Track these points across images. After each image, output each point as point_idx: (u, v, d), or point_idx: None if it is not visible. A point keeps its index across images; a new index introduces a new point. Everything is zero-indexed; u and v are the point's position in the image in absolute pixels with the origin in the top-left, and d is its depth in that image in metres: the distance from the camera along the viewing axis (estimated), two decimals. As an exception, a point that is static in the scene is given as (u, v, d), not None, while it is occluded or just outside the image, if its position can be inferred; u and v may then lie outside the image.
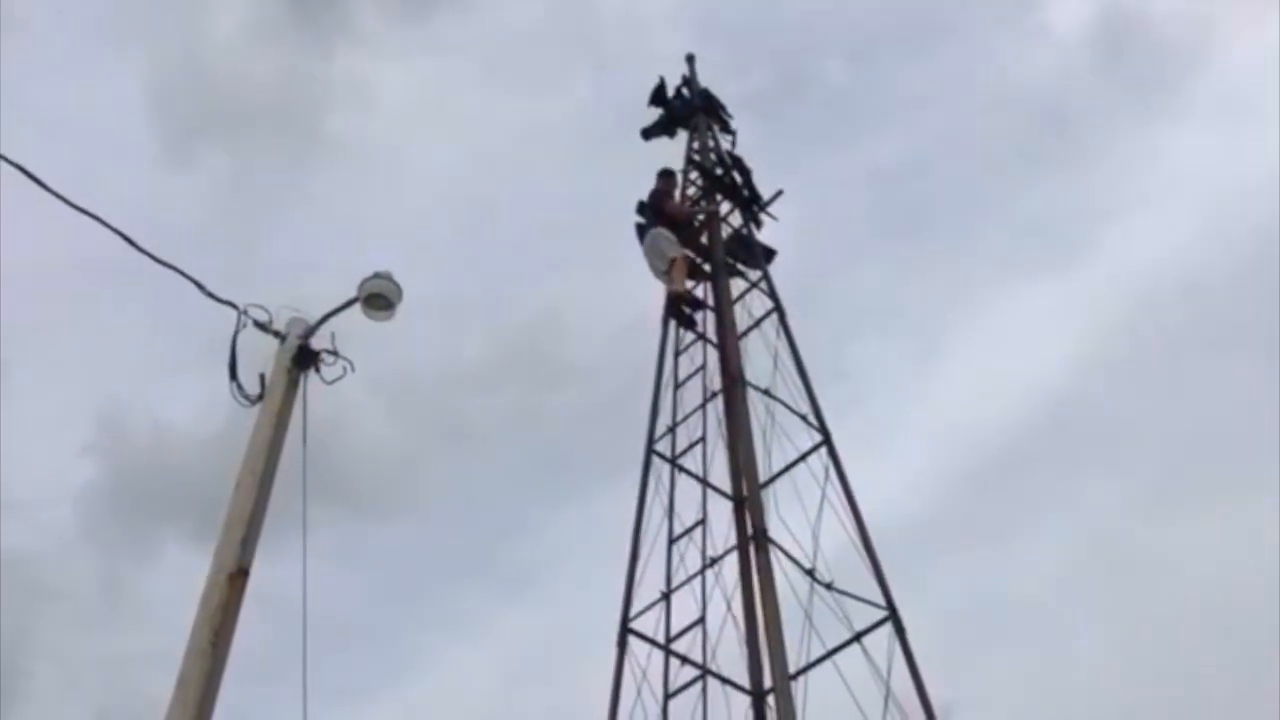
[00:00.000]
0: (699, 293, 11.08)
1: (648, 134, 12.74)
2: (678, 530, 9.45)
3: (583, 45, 24.92)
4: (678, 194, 11.75)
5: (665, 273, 10.78)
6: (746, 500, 9.33)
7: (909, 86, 23.61)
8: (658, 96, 12.79)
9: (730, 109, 13.05)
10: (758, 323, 10.62)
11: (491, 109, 24.26)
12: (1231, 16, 23.71)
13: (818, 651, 8.36)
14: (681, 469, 9.79)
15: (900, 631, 8.40)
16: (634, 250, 11.24)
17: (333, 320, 6.09)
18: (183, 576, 5.26)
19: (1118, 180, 22.33)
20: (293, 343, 6.01)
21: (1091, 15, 25.48)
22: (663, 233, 10.94)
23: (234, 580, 5.24)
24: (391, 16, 25.41)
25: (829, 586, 8.69)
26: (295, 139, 23.34)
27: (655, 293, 10.90)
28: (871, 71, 24.28)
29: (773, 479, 9.42)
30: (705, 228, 11.53)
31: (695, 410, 10.13)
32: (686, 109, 12.76)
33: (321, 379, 6.00)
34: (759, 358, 10.30)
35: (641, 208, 11.43)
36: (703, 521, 9.40)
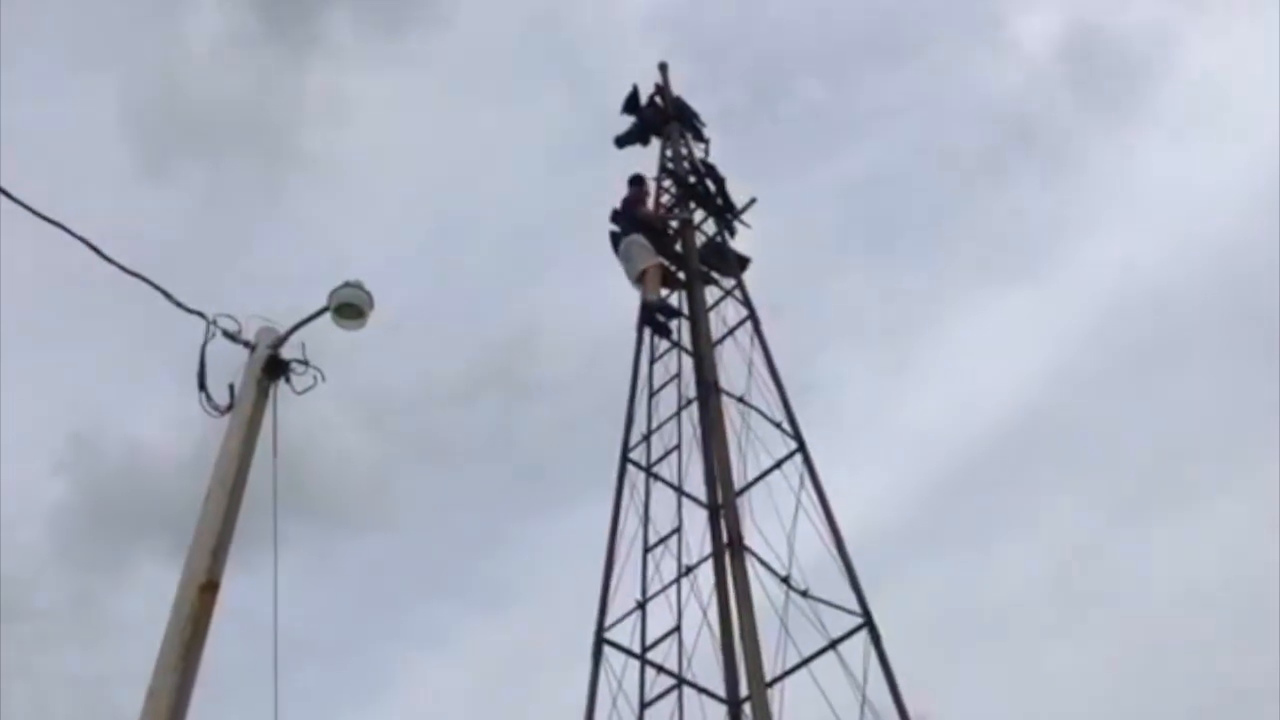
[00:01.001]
0: (674, 301, 11.08)
1: (621, 142, 12.74)
2: (653, 539, 9.43)
3: (557, 59, 25.00)
4: (650, 201, 11.76)
5: (638, 280, 10.79)
6: (722, 508, 9.31)
7: (880, 99, 23.86)
8: (631, 104, 12.80)
9: (704, 121, 13.09)
10: (732, 330, 10.63)
11: (465, 122, 24.30)
12: (1197, 30, 24.08)
13: (793, 659, 8.36)
14: (656, 477, 9.77)
15: (876, 639, 8.39)
16: (609, 261, 11.26)
17: (307, 334, 6.05)
18: (156, 595, 5.22)
19: (1086, 192, 22.60)
20: (262, 352, 5.95)
21: (1060, 29, 25.83)
22: (637, 240, 10.95)
23: (204, 592, 5.17)
24: (365, 30, 25.44)
25: (804, 594, 8.68)
26: (270, 153, 23.32)
27: (631, 304, 10.92)
28: (843, 84, 24.52)
29: (748, 487, 9.42)
30: (679, 236, 11.55)
31: (670, 418, 10.13)
32: (660, 117, 12.78)
33: (292, 389, 5.95)
34: (734, 366, 10.32)
35: (615, 216, 11.44)
36: (678, 530, 9.39)
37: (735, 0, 24.87)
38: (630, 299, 10.92)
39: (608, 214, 11.47)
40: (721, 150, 12.65)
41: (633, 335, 10.68)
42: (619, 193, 11.62)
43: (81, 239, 5.66)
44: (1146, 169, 22.51)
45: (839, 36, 25.02)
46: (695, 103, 13.10)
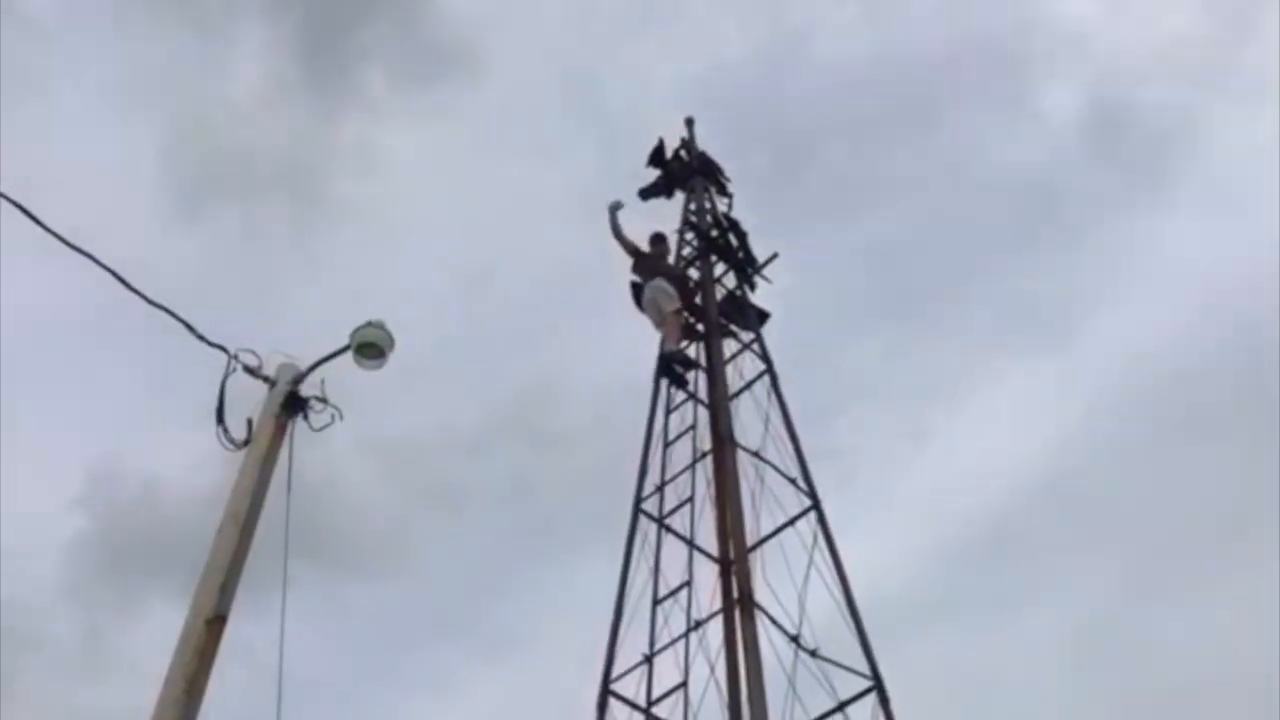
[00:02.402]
0: (691, 352, 11.08)
1: (645, 194, 12.83)
2: (663, 591, 9.34)
3: (586, 116, 25.35)
4: (671, 258, 11.81)
5: (662, 325, 10.83)
6: (733, 563, 9.24)
7: (903, 166, 24.01)
8: (656, 157, 12.90)
9: (728, 176, 13.17)
10: (749, 384, 10.62)
11: (493, 175, 24.61)
12: (1221, 107, 24.16)
13: (801, 720, 8.24)
14: (668, 529, 9.70)
15: (885, 702, 8.26)
16: (629, 313, 11.28)
17: (328, 378, 6.07)
18: (166, 632, 5.19)
19: (1107, 265, 22.66)
20: (282, 388, 5.97)
21: (1083, 102, 25.93)
22: (661, 286, 11.01)
23: (211, 626, 5.15)
24: (399, 83, 25.85)
25: (814, 654, 8.57)
26: (301, 200, 23.66)
27: (648, 357, 10.92)
28: (867, 151, 24.67)
29: (760, 542, 9.34)
30: (699, 288, 11.58)
31: (684, 470, 10.08)
32: (684, 170, 12.87)
33: (309, 425, 5.97)
34: (750, 420, 10.29)
35: (636, 266, 11.49)
36: (688, 583, 9.30)
37: (763, 66, 25.20)
38: (648, 352, 10.92)
39: (629, 265, 11.52)
40: (744, 211, 12.74)
41: (650, 388, 10.68)
42: (641, 241, 11.67)
43: (107, 268, 5.72)
44: (1166, 244, 22.59)
45: (864, 104, 25.19)
46: (720, 164, 13.22)
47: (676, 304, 10.90)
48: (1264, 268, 20.42)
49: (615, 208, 11.66)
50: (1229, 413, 20.07)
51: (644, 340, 11.06)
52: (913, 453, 20.92)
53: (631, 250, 11.42)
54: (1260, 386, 19.14)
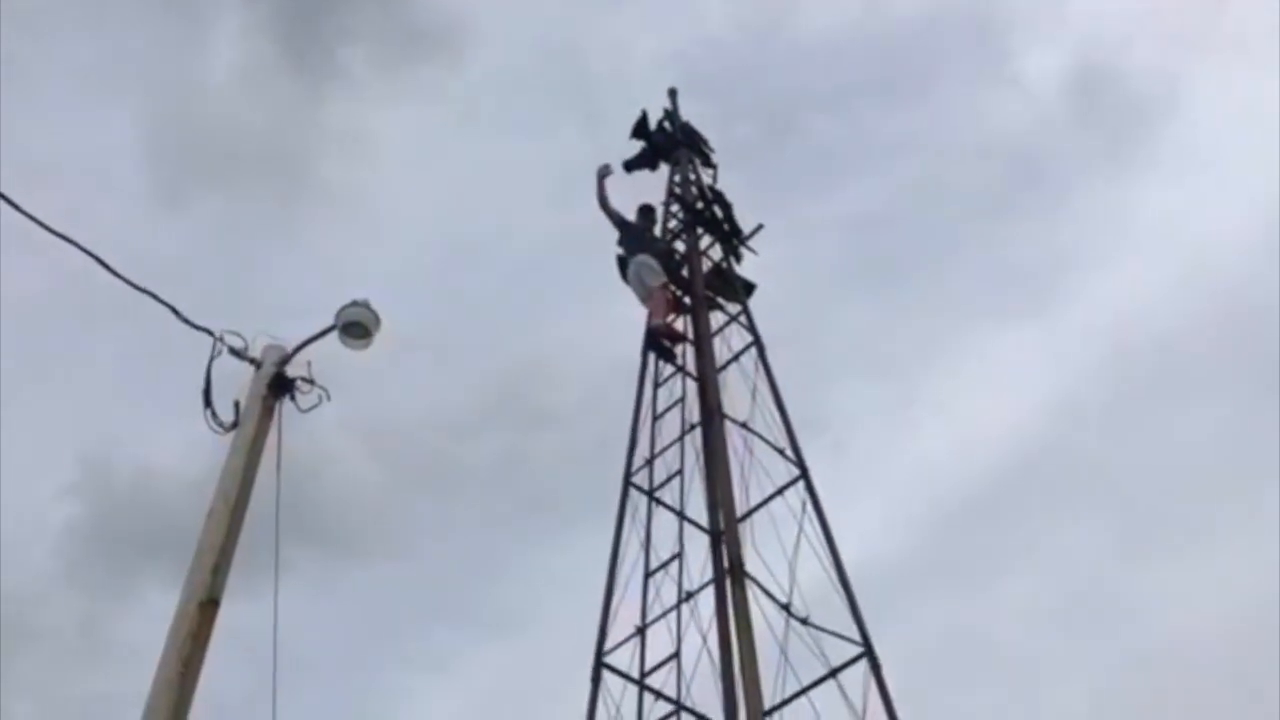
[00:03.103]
0: (679, 325, 11.09)
1: (630, 166, 12.78)
2: (654, 564, 9.41)
3: (570, 92, 25.23)
4: (657, 229, 11.79)
5: (648, 300, 10.82)
6: (723, 534, 9.29)
7: (887, 136, 23.98)
8: (640, 129, 12.85)
9: (712, 147, 13.14)
10: (737, 356, 10.64)
11: (478, 153, 24.46)
12: (1202, 71, 24.18)
13: (793, 687, 8.32)
14: (659, 501, 9.75)
15: (876, 668, 8.35)
16: (617, 288, 11.26)
17: (316, 360, 6.06)
18: (161, 617, 5.21)
19: (1091, 230, 22.69)
20: (268, 369, 5.97)
21: (1065, 68, 25.96)
22: (646, 261, 10.97)
23: (204, 609, 5.16)
24: (383, 64, 25.63)
25: (805, 622, 8.65)
26: (285, 182, 23.45)
27: (638, 331, 10.90)
28: (851, 121, 24.64)
29: (750, 513, 9.40)
30: (685, 261, 11.58)
31: (673, 443, 10.12)
32: (668, 142, 12.83)
33: (297, 406, 5.96)
34: (738, 391, 10.32)
35: (622, 239, 11.46)
36: (679, 555, 9.36)
37: (747, 39, 25.07)
38: (637, 327, 10.93)
39: (614, 239, 11.51)
40: (729, 183, 12.71)
41: (638, 362, 10.70)
42: (627, 214, 11.63)
43: (90, 253, 5.68)
44: (1149, 207, 22.65)
45: (847, 74, 25.19)
46: (704, 135, 13.17)
47: (662, 278, 10.89)
48: (1245, 230, 20.63)
49: (603, 173, 11.56)
50: (1214, 374, 20.26)
51: (632, 315, 11.09)
52: (900, 421, 21.00)
53: (618, 221, 11.39)
54: (1244, 348, 19.34)
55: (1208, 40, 24.50)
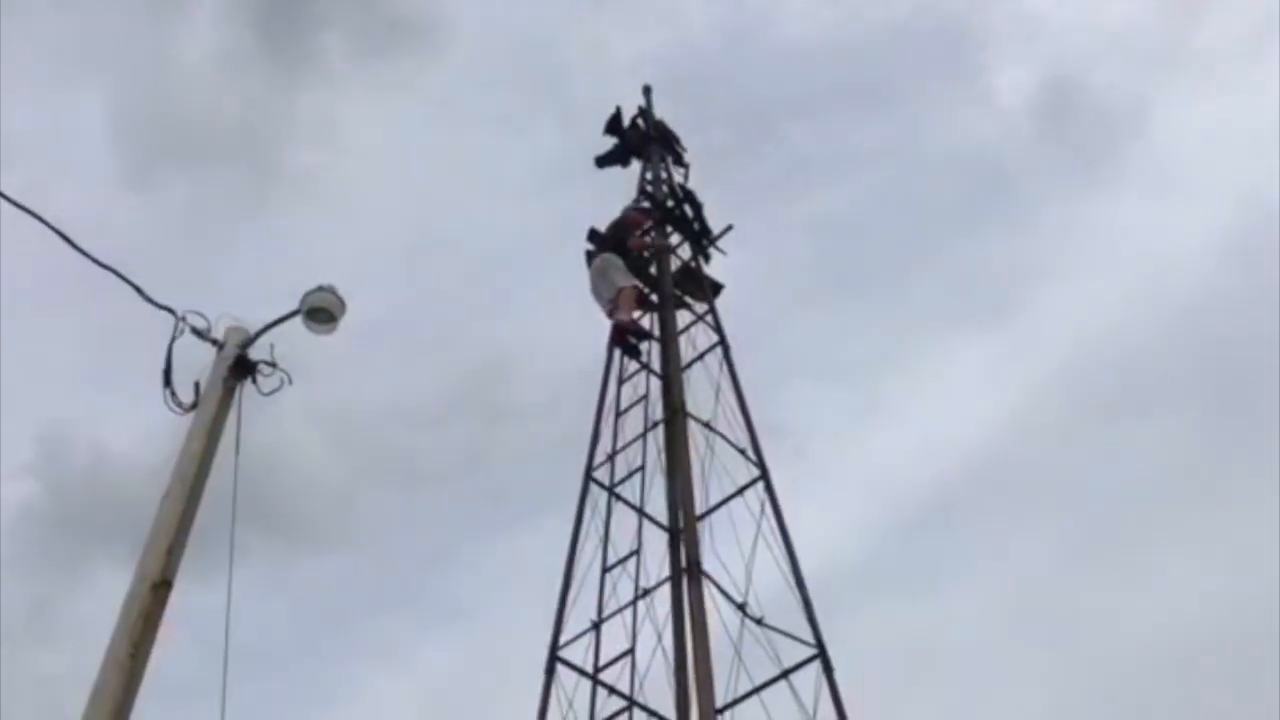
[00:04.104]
0: (645, 323, 11.10)
1: (602, 162, 12.78)
2: (612, 559, 9.41)
3: (545, 89, 25.26)
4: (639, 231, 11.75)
5: (611, 300, 10.76)
6: (682, 532, 9.32)
7: (858, 144, 24.24)
8: (613, 125, 12.84)
9: (684, 146, 13.11)
10: (702, 355, 10.66)
11: (451, 146, 24.45)
12: (1169, 91, 24.55)
13: (745, 687, 8.35)
14: (619, 498, 9.76)
15: (828, 670, 8.40)
16: (584, 284, 11.21)
17: (281, 346, 6.02)
18: (114, 599, 5.16)
19: (1054, 244, 23.05)
20: (230, 351, 5.92)
21: (1035, 84, 26.32)
22: (613, 260, 10.92)
23: (157, 591, 5.13)
24: (358, 54, 25.48)
25: (759, 622, 8.69)
26: (256, 169, 23.36)
27: (604, 329, 10.86)
28: (824, 129, 24.90)
29: (709, 512, 9.42)
30: (654, 260, 11.58)
31: (635, 440, 10.14)
32: (641, 139, 12.82)
33: (258, 389, 5.93)
34: (702, 391, 10.35)
35: (592, 234, 11.45)
36: (637, 552, 9.38)
37: (723, 43, 25.23)
38: (604, 324, 10.86)
39: (585, 233, 11.49)
40: (701, 186, 12.70)
41: (604, 360, 10.68)
42: (596, 217, 11.63)
43: (52, 227, 5.64)
44: (1113, 224, 22.94)
45: (822, 82, 25.40)
46: (677, 134, 13.17)
47: (627, 280, 10.84)
48: (1206, 248, 21.01)
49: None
50: (1170, 390, 20.60)
51: (600, 312, 11.05)
52: (861, 425, 21.19)
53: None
54: (1200, 365, 19.74)
55: (1176, 61, 24.93)
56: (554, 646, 8.83)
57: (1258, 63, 24.10)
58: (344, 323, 6.14)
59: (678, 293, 11.33)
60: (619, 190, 12.45)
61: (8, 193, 5.49)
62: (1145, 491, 19.31)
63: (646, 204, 12.01)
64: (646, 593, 9.13)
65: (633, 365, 10.71)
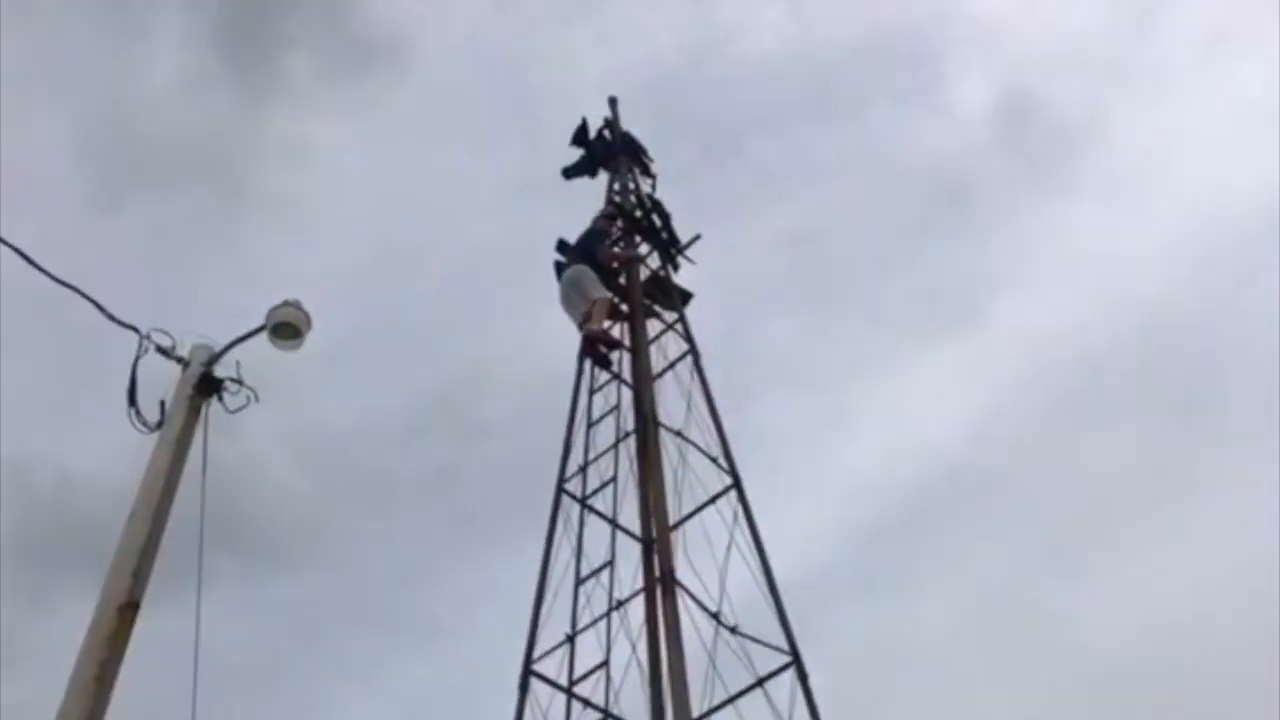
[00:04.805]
0: (615, 333, 11.08)
1: (569, 173, 12.78)
2: (585, 571, 9.37)
3: (512, 107, 25.35)
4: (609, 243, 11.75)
5: (585, 311, 10.73)
6: (655, 542, 9.30)
7: (822, 156, 24.48)
8: (580, 137, 12.85)
9: (651, 156, 13.14)
10: (673, 364, 10.66)
11: (418, 164, 24.43)
12: (1126, 101, 24.89)
13: (721, 696, 8.34)
14: (591, 509, 9.72)
15: (803, 678, 8.40)
16: (554, 299, 11.18)
17: (248, 365, 5.96)
18: (80, 624, 5.08)
19: (1014, 253, 23.34)
20: (196, 369, 5.87)
21: (994, 94, 26.73)
22: (585, 271, 10.90)
23: (124, 613, 5.05)
24: (325, 75, 25.49)
25: (734, 631, 8.68)
26: (223, 191, 23.25)
27: (574, 343, 10.82)
28: (788, 141, 25.07)
29: (682, 521, 9.41)
30: (624, 270, 11.58)
31: (607, 450, 10.10)
32: (608, 150, 12.84)
33: (225, 407, 5.87)
34: (673, 400, 10.34)
35: (562, 246, 11.44)
36: (611, 563, 9.34)
37: (687, 59, 25.37)
38: (575, 338, 10.83)
39: (554, 246, 11.48)
40: (668, 200, 12.69)
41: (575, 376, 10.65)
42: (565, 230, 11.61)
43: (12, 246, 5.56)
44: (1071, 233, 23.25)
45: (785, 96, 25.67)
46: (644, 146, 13.18)
47: (601, 292, 10.83)
48: (1164, 255, 21.35)
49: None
50: (1130, 396, 20.96)
51: (570, 326, 11.03)
52: (830, 433, 21.31)
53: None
54: (1159, 372, 20.12)
55: (1132, 71, 25.25)
56: (528, 660, 8.78)
57: (1210, 71, 24.61)
58: (313, 341, 6.10)
59: (647, 302, 11.33)
60: (588, 204, 12.46)
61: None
62: (1110, 494, 19.59)
63: (612, 210, 12.01)
64: (620, 604, 9.09)
65: (604, 376, 10.70)
